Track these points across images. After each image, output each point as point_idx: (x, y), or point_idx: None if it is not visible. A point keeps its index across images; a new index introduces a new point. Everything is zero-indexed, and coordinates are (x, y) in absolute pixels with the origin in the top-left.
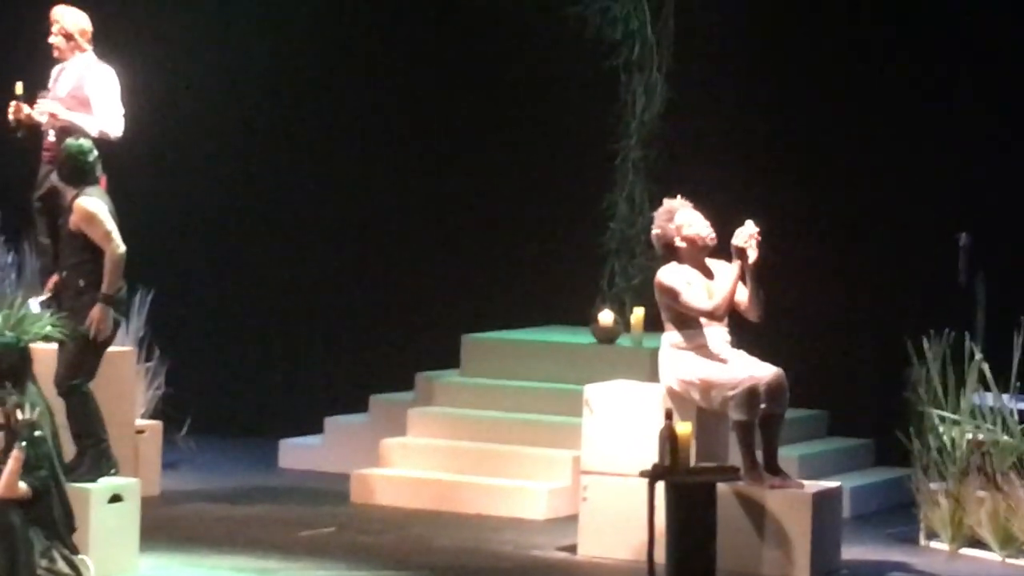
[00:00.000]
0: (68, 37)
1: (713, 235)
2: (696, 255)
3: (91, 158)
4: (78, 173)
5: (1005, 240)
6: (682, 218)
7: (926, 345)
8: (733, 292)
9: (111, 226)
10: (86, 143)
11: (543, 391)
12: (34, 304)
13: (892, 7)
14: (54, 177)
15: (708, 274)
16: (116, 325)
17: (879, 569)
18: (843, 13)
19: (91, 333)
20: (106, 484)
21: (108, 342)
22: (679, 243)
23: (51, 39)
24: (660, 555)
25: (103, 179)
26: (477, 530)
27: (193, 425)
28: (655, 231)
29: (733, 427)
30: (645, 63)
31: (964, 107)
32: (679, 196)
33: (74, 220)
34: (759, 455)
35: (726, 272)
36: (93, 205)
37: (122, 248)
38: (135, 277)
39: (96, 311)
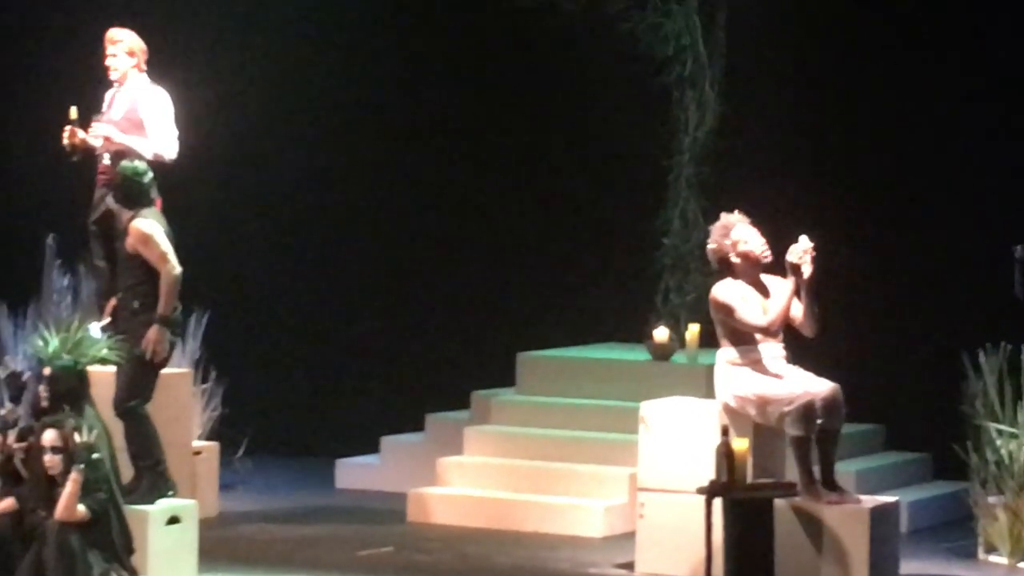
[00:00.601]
0: (132, 55)
1: (768, 251)
2: (751, 271)
3: (146, 180)
4: (134, 195)
5: None
6: (738, 233)
7: (982, 358)
8: (788, 307)
9: (167, 247)
10: (141, 165)
11: (599, 408)
12: (95, 329)
13: (946, 19)
14: (110, 200)
15: (763, 290)
16: (172, 346)
17: None
18: (896, 26)
19: (147, 354)
20: (164, 506)
21: (164, 363)
22: (734, 258)
23: (111, 60)
24: (718, 572)
25: (158, 201)
26: (534, 548)
27: (250, 446)
28: (711, 246)
29: (790, 443)
30: (697, 79)
31: (1021, 118)
32: (736, 211)
33: (130, 242)
34: (816, 470)
35: (781, 288)
36: (149, 227)
37: (178, 269)
38: (191, 298)
39: (152, 332)
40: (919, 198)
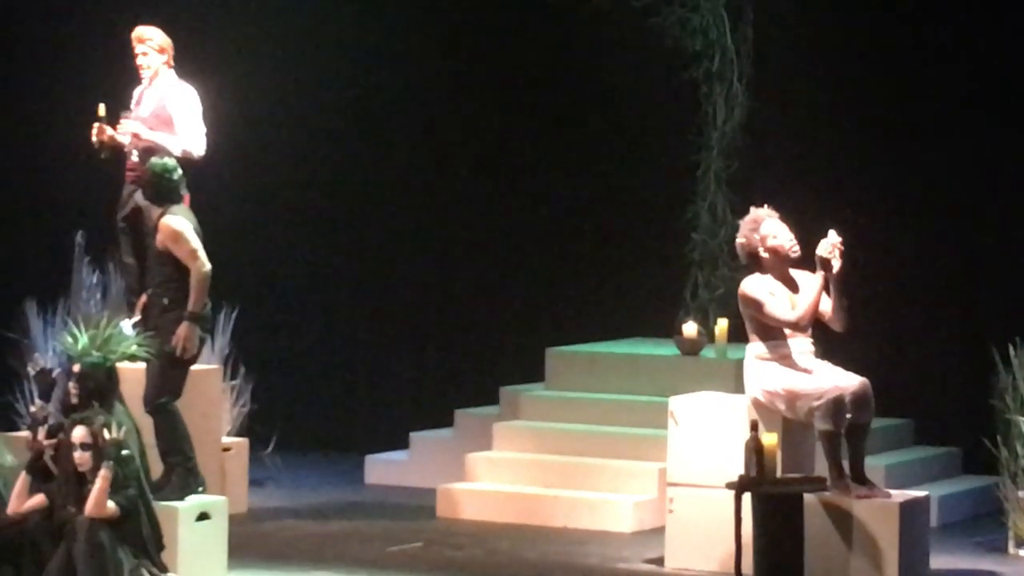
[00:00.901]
0: (162, 51)
1: (797, 246)
2: (780, 266)
3: (176, 176)
4: (163, 192)
5: None
6: (767, 228)
7: (1012, 352)
8: (817, 302)
9: (197, 244)
10: (170, 162)
11: (628, 404)
12: (126, 326)
13: (975, 12)
14: (139, 197)
15: (792, 284)
16: (202, 343)
17: None
18: (924, 19)
19: (178, 351)
20: (193, 502)
21: (193, 360)
22: (763, 253)
23: (141, 59)
24: (747, 566)
25: (187, 197)
26: (563, 544)
27: (279, 442)
28: (739, 240)
29: (819, 437)
30: (725, 73)
31: None
32: (765, 206)
33: (160, 239)
34: (845, 465)
35: (810, 282)
36: (179, 224)
37: (208, 266)
38: (220, 295)
39: (182, 329)
40: (949, 191)
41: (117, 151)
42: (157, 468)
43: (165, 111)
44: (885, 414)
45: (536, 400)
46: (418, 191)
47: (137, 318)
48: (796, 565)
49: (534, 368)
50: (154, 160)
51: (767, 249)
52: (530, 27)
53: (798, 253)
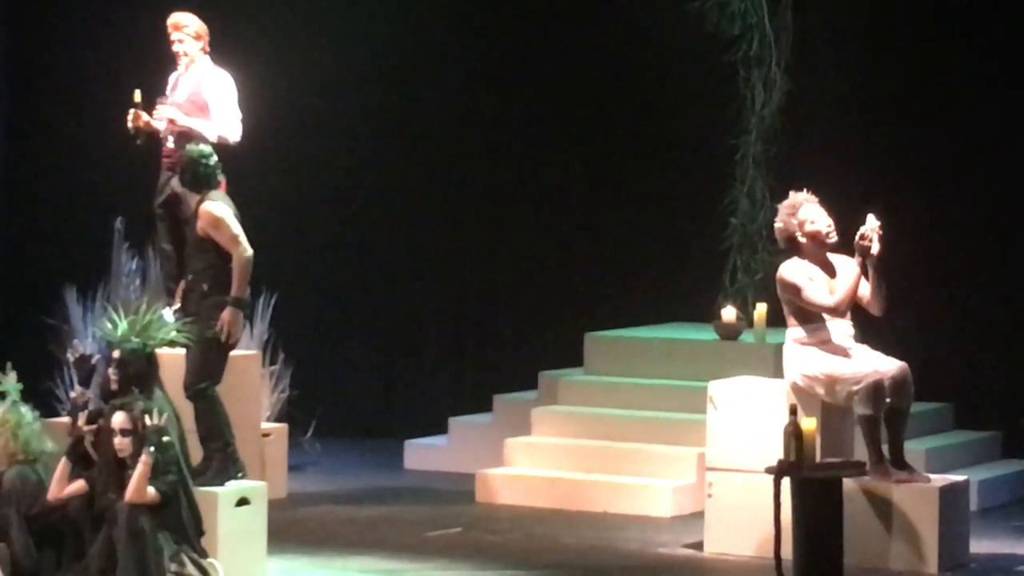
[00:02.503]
0: (199, 38)
1: (834, 232)
2: (818, 250)
3: (212, 162)
4: (201, 178)
5: None
6: (805, 213)
7: None
8: (855, 287)
9: (238, 229)
10: (206, 148)
11: (667, 388)
12: (168, 314)
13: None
14: (175, 183)
15: (830, 269)
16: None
17: (1008, 563)
18: (965, 4)
19: (223, 336)
20: (233, 488)
21: (233, 346)
22: (801, 238)
23: (178, 46)
24: (787, 551)
25: (223, 182)
26: (602, 528)
27: (318, 427)
28: (778, 225)
29: (858, 422)
30: (764, 58)
31: None
32: (805, 190)
33: (201, 225)
34: (885, 449)
35: (848, 267)
36: (219, 209)
37: (250, 251)
38: (258, 281)
39: (227, 314)
40: (987, 175)
41: (153, 137)
42: (197, 454)
43: (201, 97)
44: (924, 398)
45: (575, 385)
46: (458, 177)
47: (177, 305)
48: (835, 550)
49: (573, 353)
50: (190, 147)
51: (805, 234)
52: (569, 12)
53: (835, 239)
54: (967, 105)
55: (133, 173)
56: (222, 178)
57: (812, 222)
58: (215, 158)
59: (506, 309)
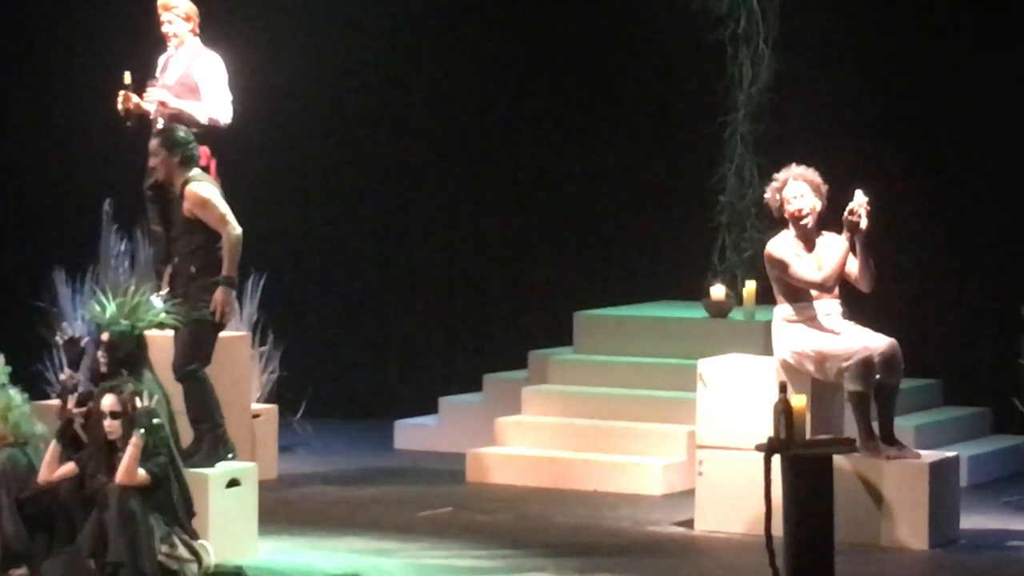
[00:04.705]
0: (188, 19)
1: (810, 218)
2: (798, 228)
3: (192, 145)
4: (187, 159)
5: None
6: (789, 191)
7: None
8: (843, 263)
9: (225, 209)
10: (188, 133)
11: (656, 367)
12: (156, 300)
13: None
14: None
15: (819, 245)
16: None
17: (998, 538)
18: None
19: (216, 316)
20: (224, 469)
21: (222, 326)
22: (783, 215)
23: (167, 27)
24: (777, 528)
25: (213, 163)
26: (593, 507)
27: (308, 408)
28: (766, 196)
29: (848, 398)
30: (751, 35)
31: None
32: (803, 166)
33: (187, 207)
34: (875, 426)
35: (836, 243)
36: (205, 190)
37: (239, 229)
38: (248, 262)
39: (219, 294)
40: (976, 152)
41: (143, 119)
42: (187, 435)
43: (191, 79)
44: (914, 374)
45: (565, 364)
46: (447, 158)
47: (165, 290)
48: (826, 526)
49: (562, 332)
50: (175, 132)
51: (785, 211)
52: None
53: (807, 222)
54: (957, 81)
55: (123, 155)
56: (212, 158)
57: (789, 201)
58: (193, 140)
59: (495, 289)
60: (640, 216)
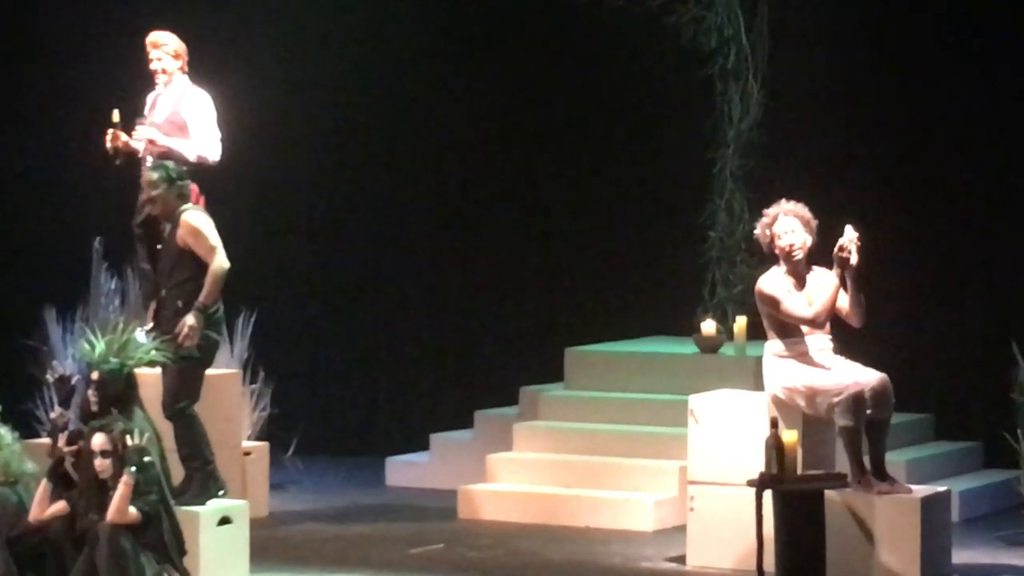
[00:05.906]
0: (177, 56)
1: (800, 252)
2: (789, 264)
3: (185, 181)
4: (183, 195)
5: None
6: (779, 227)
7: None
8: (834, 299)
9: (216, 241)
10: (180, 168)
11: (648, 403)
12: (140, 335)
13: (994, 10)
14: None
15: (809, 281)
16: (215, 345)
17: (990, 573)
18: (942, 12)
19: (180, 339)
20: (215, 506)
21: (208, 362)
22: (774, 250)
23: (156, 64)
24: (769, 564)
25: (201, 200)
26: (585, 543)
27: (299, 445)
28: (756, 232)
29: (839, 433)
30: (741, 71)
31: None
32: (792, 201)
33: (181, 235)
34: (866, 461)
35: (826, 279)
36: (199, 220)
37: (227, 264)
38: (238, 299)
39: (188, 318)
40: (969, 186)
41: (132, 157)
42: (177, 473)
43: (179, 116)
44: (905, 409)
45: (556, 400)
46: (436, 194)
47: (149, 325)
48: (818, 562)
49: (553, 368)
50: (169, 167)
51: (774, 247)
52: (547, 27)
53: (798, 257)
54: (950, 116)
55: (112, 193)
56: (200, 196)
57: (779, 237)
58: (186, 178)
59: (486, 325)
60: (631, 252)
